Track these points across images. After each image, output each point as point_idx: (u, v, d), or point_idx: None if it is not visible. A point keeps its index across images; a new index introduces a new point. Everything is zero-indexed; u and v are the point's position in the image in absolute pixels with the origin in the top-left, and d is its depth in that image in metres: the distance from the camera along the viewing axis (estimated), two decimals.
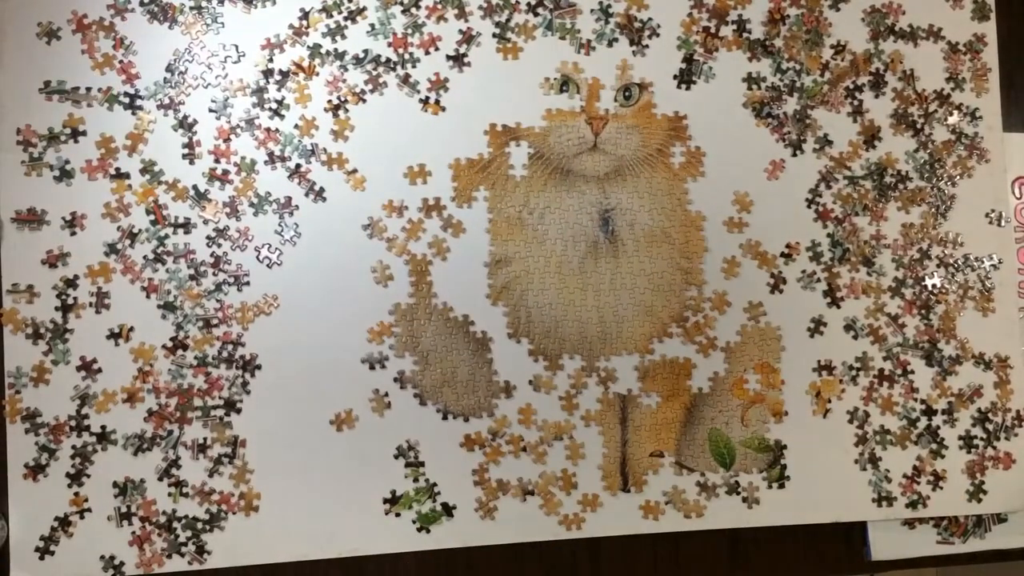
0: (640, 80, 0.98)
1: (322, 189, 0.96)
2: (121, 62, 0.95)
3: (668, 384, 0.97)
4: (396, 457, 0.95)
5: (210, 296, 0.94)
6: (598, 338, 0.96)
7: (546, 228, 0.97)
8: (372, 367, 0.95)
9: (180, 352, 0.93)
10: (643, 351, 0.97)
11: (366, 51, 0.97)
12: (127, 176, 0.94)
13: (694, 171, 0.99)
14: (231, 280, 0.94)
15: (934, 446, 0.99)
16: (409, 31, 0.98)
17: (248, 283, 0.94)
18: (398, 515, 0.94)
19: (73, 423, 0.92)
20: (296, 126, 0.96)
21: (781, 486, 0.97)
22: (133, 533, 0.92)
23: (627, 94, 0.98)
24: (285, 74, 0.96)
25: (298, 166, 0.96)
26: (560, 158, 0.97)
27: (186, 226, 0.94)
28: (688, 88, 0.99)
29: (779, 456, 0.98)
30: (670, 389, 0.97)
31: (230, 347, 0.94)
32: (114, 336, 0.93)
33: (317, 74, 0.96)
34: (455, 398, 0.95)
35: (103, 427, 0.92)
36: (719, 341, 0.98)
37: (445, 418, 0.95)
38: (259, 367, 0.94)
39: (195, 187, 0.95)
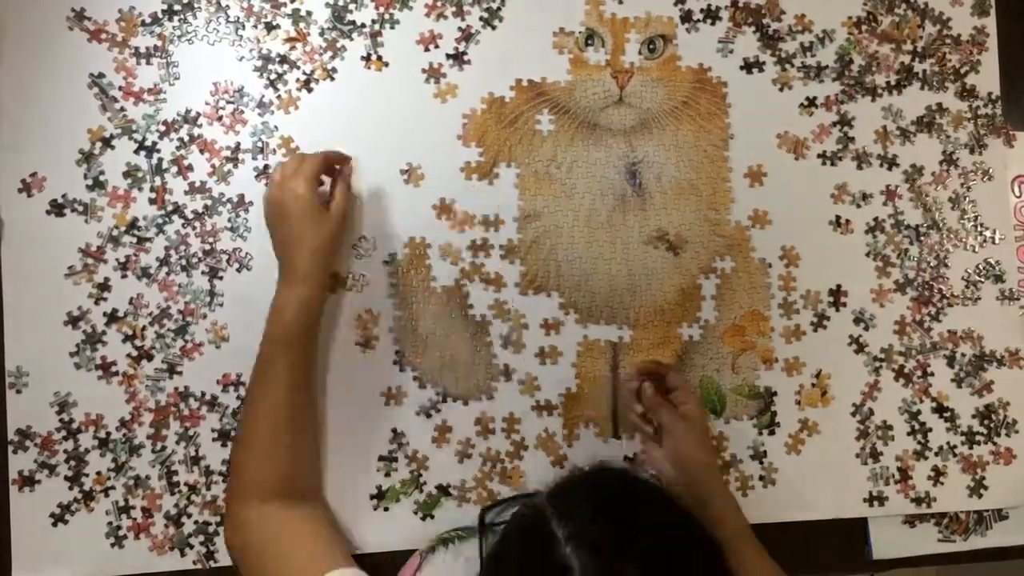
0: (663, 33, 0.99)
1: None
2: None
3: (659, 332, 0.97)
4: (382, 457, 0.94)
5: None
6: (627, 291, 0.97)
7: (574, 182, 0.97)
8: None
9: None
10: (672, 304, 0.97)
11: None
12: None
13: (720, 123, 0.99)
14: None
15: (934, 442, 0.99)
16: None
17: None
18: (387, 509, 0.93)
19: (75, 428, 0.91)
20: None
21: (771, 432, 0.97)
22: (135, 527, 0.91)
23: (651, 47, 0.99)
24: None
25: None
26: (586, 112, 0.98)
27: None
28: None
29: (769, 403, 0.98)
30: (661, 336, 0.97)
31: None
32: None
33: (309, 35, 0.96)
34: (454, 381, 0.95)
35: (108, 434, 0.92)
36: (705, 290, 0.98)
37: (444, 400, 0.94)
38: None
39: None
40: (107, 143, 0.94)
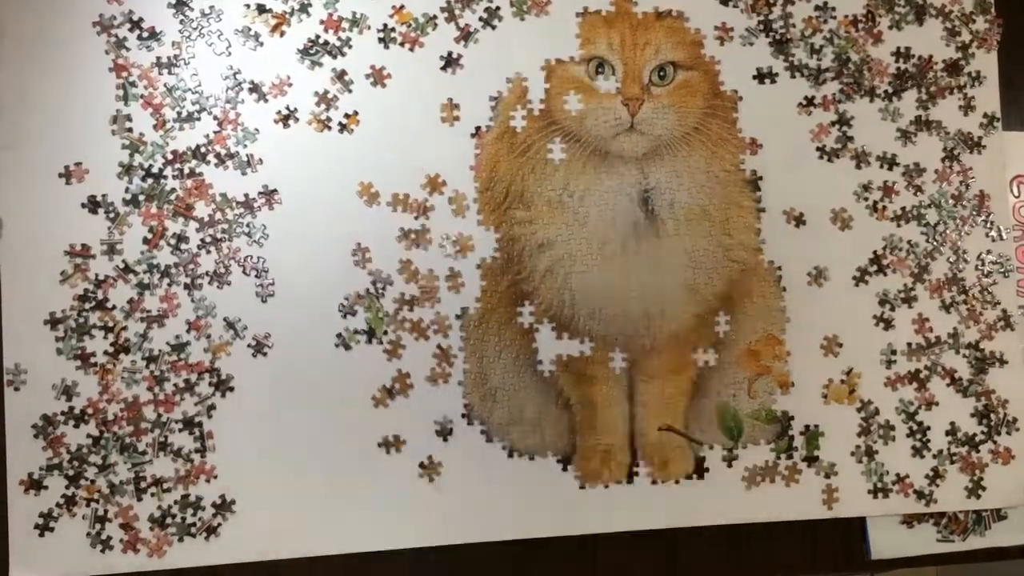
0: (672, 59, 0.99)
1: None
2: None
3: (674, 358, 0.98)
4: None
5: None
6: (642, 318, 0.97)
7: (587, 210, 0.97)
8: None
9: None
10: (687, 330, 0.97)
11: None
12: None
13: (731, 148, 0.99)
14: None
15: (933, 441, 1.00)
16: None
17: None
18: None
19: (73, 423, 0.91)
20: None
21: (789, 456, 0.98)
22: (129, 530, 0.91)
23: (661, 73, 0.99)
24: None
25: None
26: (597, 140, 0.98)
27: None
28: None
29: (787, 427, 0.98)
30: (676, 363, 0.98)
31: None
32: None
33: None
34: (520, 436, 0.95)
35: (101, 431, 0.91)
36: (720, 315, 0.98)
37: (511, 456, 0.95)
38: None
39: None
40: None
